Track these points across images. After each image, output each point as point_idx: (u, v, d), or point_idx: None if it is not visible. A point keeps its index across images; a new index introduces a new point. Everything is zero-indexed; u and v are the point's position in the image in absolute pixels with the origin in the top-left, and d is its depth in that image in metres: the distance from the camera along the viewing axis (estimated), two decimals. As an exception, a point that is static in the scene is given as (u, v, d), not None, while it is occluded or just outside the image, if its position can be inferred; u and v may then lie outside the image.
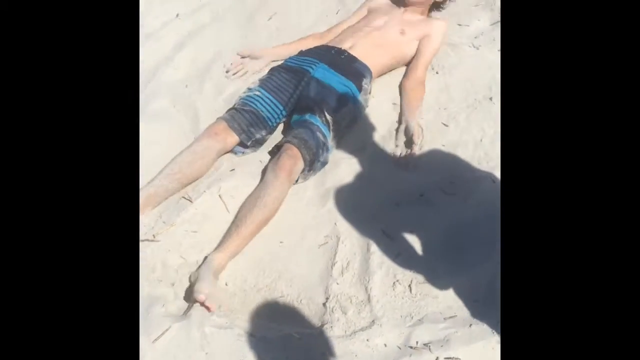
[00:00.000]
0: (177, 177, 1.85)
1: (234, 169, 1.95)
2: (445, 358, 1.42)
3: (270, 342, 1.48)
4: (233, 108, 2.06)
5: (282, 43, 2.45)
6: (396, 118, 2.16)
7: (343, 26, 2.44)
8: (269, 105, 2.05)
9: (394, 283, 1.62)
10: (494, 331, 1.46)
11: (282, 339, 1.49)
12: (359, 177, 1.93)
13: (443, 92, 2.23)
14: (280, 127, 2.14)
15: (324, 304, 1.59)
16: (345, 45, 2.23)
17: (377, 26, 2.33)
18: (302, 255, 1.73)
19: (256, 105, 2.04)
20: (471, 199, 1.82)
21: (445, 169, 1.95)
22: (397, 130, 2.09)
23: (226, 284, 1.64)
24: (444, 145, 2.03)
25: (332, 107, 2.02)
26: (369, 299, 1.59)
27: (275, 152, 1.95)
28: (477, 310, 1.54)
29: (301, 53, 2.27)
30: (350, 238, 1.75)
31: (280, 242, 1.76)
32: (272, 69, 2.21)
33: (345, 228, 1.78)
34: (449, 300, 1.58)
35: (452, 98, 2.20)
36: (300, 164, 1.87)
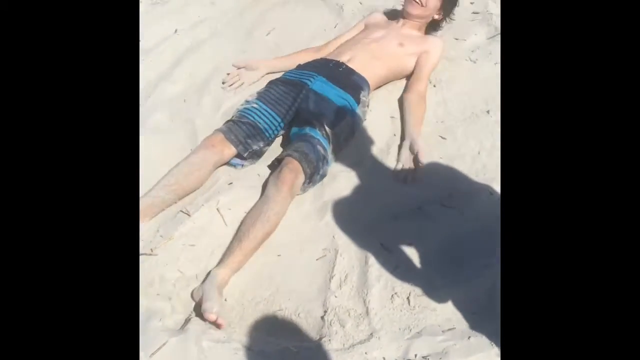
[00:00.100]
0: (173, 189, 1.85)
1: (231, 183, 1.95)
2: (444, 371, 1.41)
3: (268, 356, 1.47)
4: (230, 120, 2.06)
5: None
6: (394, 131, 2.16)
7: (340, 40, 2.46)
8: (267, 117, 2.05)
9: (392, 296, 1.62)
10: (492, 343, 1.45)
11: (280, 353, 1.48)
12: (357, 190, 1.93)
13: (440, 105, 2.25)
14: (279, 139, 2.15)
15: (322, 317, 1.59)
16: (343, 58, 2.24)
17: (375, 38, 2.35)
18: (300, 268, 1.72)
19: (253, 117, 2.04)
20: (469, 212, 1.83)
21: (443, 181, 1.95)
22: (400, 146, 2.09)
23: (225, 300, 1.63)
24: (441, 158, 2.04)
25: (330, 120, 2.02)
26: (367, 312, 1.58)
27: (275, 165, 1.95)
28: (476, 323, 1.53)
29: (299, 66, 2.28)
30: (348, 251, 1.74)
31: (278, 255, 1.75)
32: (270, 82, 2.22)
33: (343, 241, 1.77)
34: (447, 312, 1.58)
35: (449, 111, 2.22)
36: (302, 178, 1.87)
